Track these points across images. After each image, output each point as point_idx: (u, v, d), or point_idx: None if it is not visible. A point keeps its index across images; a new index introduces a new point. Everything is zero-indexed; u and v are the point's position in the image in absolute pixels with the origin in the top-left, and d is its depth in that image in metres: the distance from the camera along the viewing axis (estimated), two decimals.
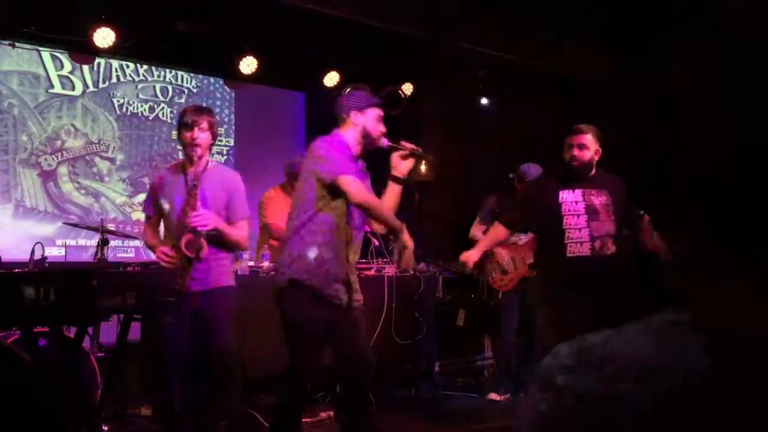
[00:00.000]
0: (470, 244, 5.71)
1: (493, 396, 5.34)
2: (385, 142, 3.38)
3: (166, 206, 3.52)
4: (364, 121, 3.35)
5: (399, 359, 5.25)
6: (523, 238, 5.19)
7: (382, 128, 3.39)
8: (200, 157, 3.50)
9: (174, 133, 6.80)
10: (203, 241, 3.40)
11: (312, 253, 3.17)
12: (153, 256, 3.57)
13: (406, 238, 3.37)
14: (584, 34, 6.99)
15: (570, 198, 3.96)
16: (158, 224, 3.68)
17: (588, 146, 3.93)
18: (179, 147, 6.74)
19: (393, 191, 3.44)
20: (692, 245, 0.69)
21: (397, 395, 5.33)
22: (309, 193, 3.23)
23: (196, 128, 3.45)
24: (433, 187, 7.41)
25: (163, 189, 3.56)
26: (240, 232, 3.63)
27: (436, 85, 7.24)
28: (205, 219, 3.38)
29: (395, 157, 3.44)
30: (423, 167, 7.37)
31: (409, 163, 3.47)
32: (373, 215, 3.37)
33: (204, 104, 6.93)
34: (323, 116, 7.49)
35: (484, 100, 7.28)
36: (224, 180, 3.63)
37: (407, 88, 7.15)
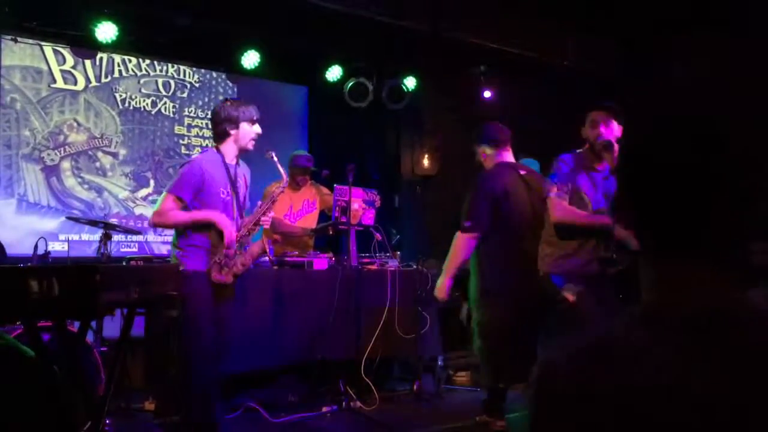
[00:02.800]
0: None
1: None
2: None
3: (215, 195, 3.57)
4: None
5: (402, 353, 5.25)
6: None
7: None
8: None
9: (178, 128, 6.81)
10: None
11: None
12: (153, 248, 3.58)
13: None
14: (589, 28, 6.97)
15: None
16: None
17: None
18: (182, 142, 6.79)
19: None
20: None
21: (400, 389, 5.34)
22: None
23: (257, 123, 3.68)
24: (434, 181, 7.41)
25: (208, 177, 3.58)
26: None
27: (438, 78, 7.23)
28: (270, 221, 3.77)
29: None
30: (426, 161, 7.37)
31: None
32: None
33: (206, 99, 6.94)
34: (326, 110, 7.51)
35: (486, 94, 7.26)
36: (246, 174, 3.83)
37: (409, 82, 7.14)
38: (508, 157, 4.26)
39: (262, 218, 3.69)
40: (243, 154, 3.75)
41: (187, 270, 3.47)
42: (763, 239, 0.83)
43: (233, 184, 3.65)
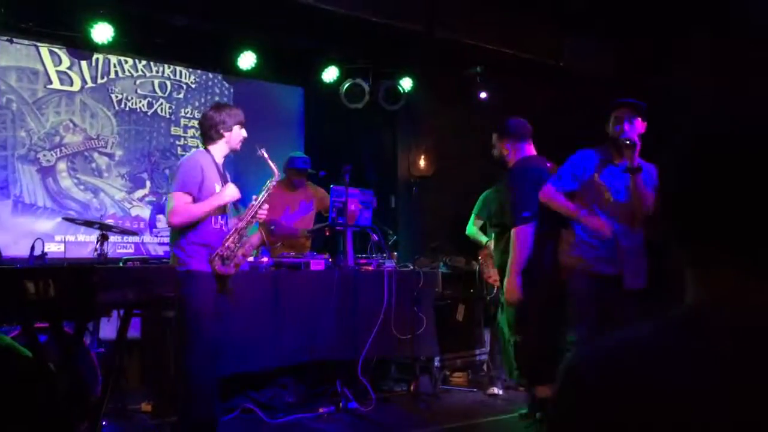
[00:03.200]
0: (468, 240, 5.73)
1: (493, 390, 5.35)
2: None
3: (211, 192, 3.70)
4: None
5: (399, 354, 5.26)
6: None
7: None
8: None
9: (174, 129, 6.81)
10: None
11: None
12: (149, 249, 3.59)
13: None
14: (584, 29, 6.99)
15: None
16: None
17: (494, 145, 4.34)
18: (179, 143, 6.79)
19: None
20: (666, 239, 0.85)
21: (397, 390, 5.35)
22: None
23: (244, 128, 3.89)
24: (431, 181, 7.41)
25: (208, 175, 3.74)
26: None
27: (434, 79, 7.24)
28: (266, 214, 3.89)
29: None
30: (422, 162, 7.38)
31: None
32: None
33: (203, 99, 6.94)
34: (322, 111, 7.51)
35: (482, 95, 7.27)
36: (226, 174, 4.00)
37: (405, 83, 7.15)
38: (532, 150, 4.31)
39: (259, 211, 3.83)
40: (233, 153, 3.98)
41: (191, 269, 3.54)
42: None
43: (225, 181, 3.83)
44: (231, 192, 3.71)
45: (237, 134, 3.85)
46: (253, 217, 3.81)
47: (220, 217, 3.76)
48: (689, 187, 0.82)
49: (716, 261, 0.80)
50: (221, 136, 3.81)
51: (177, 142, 6.84)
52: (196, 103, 6.92)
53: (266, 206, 3.87)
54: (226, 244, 3.69)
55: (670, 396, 0.72)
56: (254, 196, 3.89)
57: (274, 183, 3.93)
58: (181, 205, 3.61)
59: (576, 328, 3.77)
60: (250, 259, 4.82)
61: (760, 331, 0.74)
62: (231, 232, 3.72)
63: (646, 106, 3.82)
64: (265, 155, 3.89)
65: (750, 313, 0.76)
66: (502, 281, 4.19)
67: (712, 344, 0.74)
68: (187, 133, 6.89)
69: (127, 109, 6.56)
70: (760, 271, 0.77)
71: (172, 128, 6.83)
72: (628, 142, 3.69)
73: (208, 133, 3.84)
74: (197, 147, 6.71)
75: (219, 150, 3.85)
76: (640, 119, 3.78)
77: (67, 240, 5.89)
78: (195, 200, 3.64)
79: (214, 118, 3.82)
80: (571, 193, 3.87)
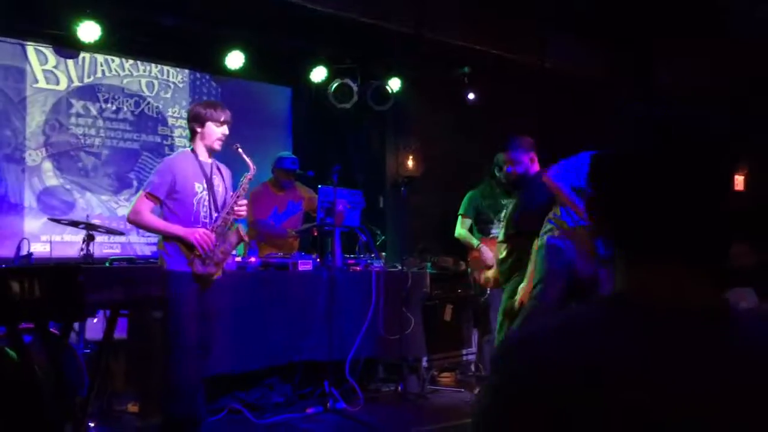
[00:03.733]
0: (456, 241, 5.74)
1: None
2: None
3: (189, 192, 3.67)
4: None
5: (386, 354, 5.26)
6: None
7: None
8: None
9: (162, 128, 6.78)
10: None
11: None
12: (135, 249, 3.59)
13: None
14: (571, 29, 7.02)
15: None
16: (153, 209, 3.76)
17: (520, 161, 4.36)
18: (166, 142, 6.76)
19: None
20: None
21: (384, 390, 5.35)
22: None
23: (226, 125, 3.79)
24: (419, 182, 7.42)
25: (182, 175, 3.69)
26: None
27: (422, 80, 7.25)
28: (246, 209, 3.83)
29: None
30: (410, 162, 7.39)
31: None
32: None
33: (190, 99, 6.91)
34: (310, 111, 7.51)
35: (470, 95, 7.29)
36: (224, 173, 3.93)
37: (394, 84, 7.15)
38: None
39: (236, 208, 3.78)
40: (214, 153, 3.87)
41: (172, 269, 3.53)
42: (739, 241, 0.88)
43: (208, 180, 3.76)
44: (193, 239, 3.59)
45: (212, 132, 3.76)
46: (229, 213, 3.76)
47: (203, 215, 3.73)
48: (607, 188, 0.91)
49: (634, 256, 0.89)
50: (196, 133, 3.78)
51: (165, 142, 6.81)
52: (184, 103, 6.89)
53: (243, 202, 3.83)
54: None
55: (595, 372, 0.79)
56: (230, 193, 3.87)
57: (249, 177, 3.89)
58: (142, 207, 3.65)
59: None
60: (238, 258, 4.81)
61: (669, 311, 0.83)
62: (208, 231, 3.69)
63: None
64: (240, 150, 3.86)
65: (671, 298, 0.85)
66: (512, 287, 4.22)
67: (635, 321, 0.83)
68: (174, 132, 6.87)
69: (114, 108, 6.52)
70: (669, 261, 0.86)
71: (160, 128, 6.80)
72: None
73: (189, 129, 3.86)
74: (184, 147, 6.76)
75: (200, 148, 3.80)
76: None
77: (53, 240, 5.85)
78: (162, 204, 3.67)
79: (190, 113, 3.84)
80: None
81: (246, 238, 3.90)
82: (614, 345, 0.81)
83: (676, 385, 0.77)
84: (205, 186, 3.74)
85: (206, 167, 3.79)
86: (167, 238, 3.65)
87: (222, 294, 3.86)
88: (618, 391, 0.77)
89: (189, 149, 3.86)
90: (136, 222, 3.71)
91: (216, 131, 3.76)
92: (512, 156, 4.44)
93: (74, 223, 4.72)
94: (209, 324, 3.71)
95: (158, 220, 3.69)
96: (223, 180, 3.87)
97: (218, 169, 3.88)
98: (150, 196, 3.66)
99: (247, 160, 3.88)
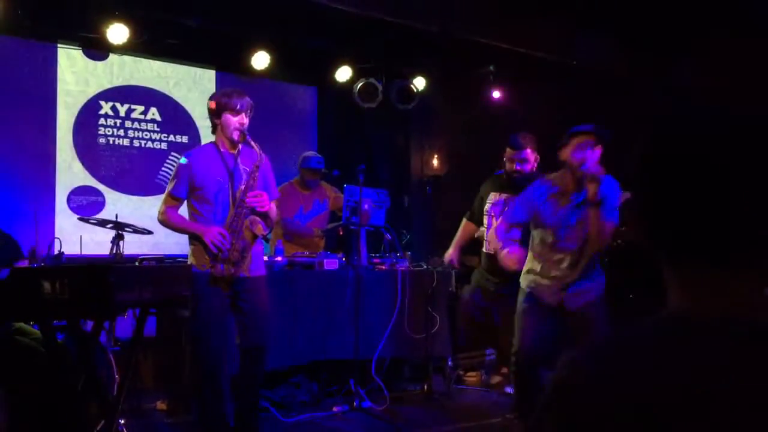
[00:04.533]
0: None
1: (495, 379, 5.40)
2: None
3: (211, 188, 3.59)
4: None
5: (412, 353, 5.26)
6: None
7: None
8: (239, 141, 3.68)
9: (189, 129, 6.83)
10: (261, 222, 3.63)
11: None
12: (164, 248, 3.63)
13: None
14: (597, 27, 6.95)
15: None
16: (179, 208, 3.73)
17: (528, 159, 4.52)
18: (193, 143, 6.82)
19: None
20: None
21: (410, 389, 5.35)
22: None
23: (243, 113, 3.62)
24: (444, 181, 7.41)
25: (201, 171, 3.62)
26: (274, 214, 3.84)
27: (447, 79, 7.23)
28: (263, 200, 3.61)
29: None
30: (435, 161, 7.38)
31: None
32: None
33: None
34: (335, 111, 7.53)
35: (495, 94, 7.25)
36: (256, 161, 3.70)
37: (419, 83, 7.14)
38: None
39: (247, 200, 3.59)
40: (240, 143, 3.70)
41: (194, 270, 3.51)
42: None
43: (231, 172, 3.63)
44: (210, 236, 3.50)
45: (229, 122, 3.62)
46: (240, 207, 3.60)
47: (222, 214, 3.62)
48: (650, 189, 0.84)
49: (691, 263, 0.82)
50: (216, 125, 3.69)
51: (192, 142, 6.88)
52: None
53: (257, 192, 3.63)
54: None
55: (659, 396, 0.74)
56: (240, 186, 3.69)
57: (257, 165, 3.67)
58: (166, 207, 3.65)
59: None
60: (265, 258, 4.84)
61: (740, 327, 0.77)
62: (223, 230, 3.56)
63: (604, 133, 3.56)
64: (248, 138, 3.64)
65: (729, 309, 0.78)
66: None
67: (696, 343, 0.76)
68: (201, 132, 6.93)
69: (142, 109, 6.60)
70: (733, 270, 0.80)
71: (187, 128, 6.86)
72: (593, 176, 3.47)
73: (211, 123, 3.75)
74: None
75: (221, 139, 3.68)
76: (599, 147, 3.53)
77: (83, 239, 5.93)
78: (183, 201, 3.66)
79: (208, 105, 3.72)
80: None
81: (262, 232, 3.67)
82: (679, 370, 0.75)
83: (752, 411, 0.72)
84: (227, 178, 3.64)
85: (229, 159, 3.66)
86: (191, 237, 3.64)
87: (265, 293, 3.77)
88: (685, 422, 0.72)
89: (211, 143, 3.75)
90: (162, 222, 3.69)
91: (232, 121, 3.61)
92: (522, 155, 4.43)
93: (103, 223, 4.78)
94: (255, 324, 3.64)
95: (181, 220, 3.66)
96: (259, 167, 3.66)
97: (248, 157, 3.71)
98: (171, 196, 3.64)
99: (256, 148, 3.66)
